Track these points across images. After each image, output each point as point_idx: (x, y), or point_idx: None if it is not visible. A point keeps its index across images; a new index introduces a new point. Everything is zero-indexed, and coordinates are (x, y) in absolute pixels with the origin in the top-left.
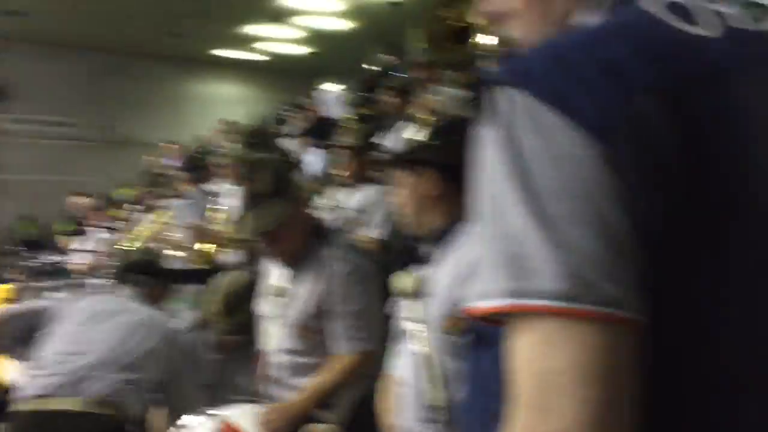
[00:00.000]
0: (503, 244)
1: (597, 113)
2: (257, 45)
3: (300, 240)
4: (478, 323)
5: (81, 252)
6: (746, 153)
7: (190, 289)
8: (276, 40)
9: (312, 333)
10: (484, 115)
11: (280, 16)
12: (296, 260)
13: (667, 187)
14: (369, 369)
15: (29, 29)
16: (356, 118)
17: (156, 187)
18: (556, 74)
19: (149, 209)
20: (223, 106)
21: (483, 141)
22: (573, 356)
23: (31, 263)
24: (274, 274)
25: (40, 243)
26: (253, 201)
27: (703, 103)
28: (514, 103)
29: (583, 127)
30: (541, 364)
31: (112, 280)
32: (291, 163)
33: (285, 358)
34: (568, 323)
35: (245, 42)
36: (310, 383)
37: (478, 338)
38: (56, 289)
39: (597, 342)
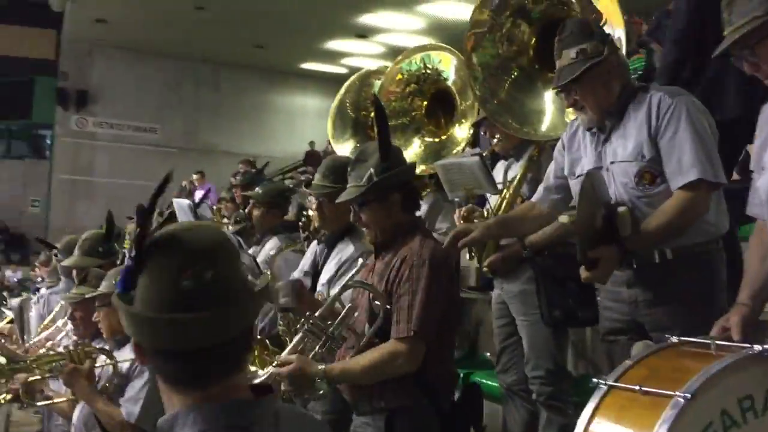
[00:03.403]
0: None
1: None
2: (343, 60)
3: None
4: None
5: None
6: None
7: None
8: (359, 55)
9: None
10: None
11: (364, 32)
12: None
13: None
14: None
15: (114, 36)
16: None
17: None
18: None
19: None
20: (306, 118)
21: None
22: None
23: None
24: None
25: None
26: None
27: None
28: None
29: None
30: None
31: None
32: None
33: None
34: None
35: (330, 57)
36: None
37: None
38: None
39: None
